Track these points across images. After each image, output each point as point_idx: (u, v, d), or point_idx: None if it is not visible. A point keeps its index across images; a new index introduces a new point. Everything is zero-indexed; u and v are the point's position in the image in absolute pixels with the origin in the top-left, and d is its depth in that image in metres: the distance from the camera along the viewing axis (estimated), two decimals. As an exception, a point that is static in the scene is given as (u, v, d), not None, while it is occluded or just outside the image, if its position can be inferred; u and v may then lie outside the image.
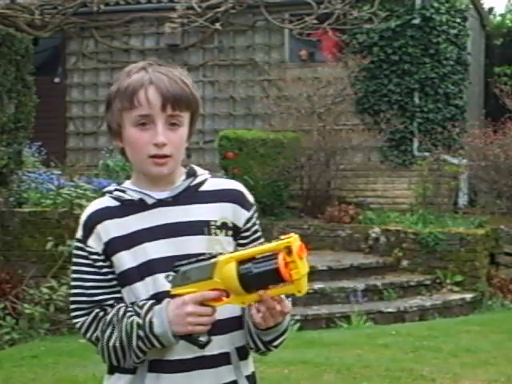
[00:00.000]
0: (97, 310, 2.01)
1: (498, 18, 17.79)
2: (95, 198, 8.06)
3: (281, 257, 1.81)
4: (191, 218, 2.02)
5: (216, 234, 2.02)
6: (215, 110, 13.57)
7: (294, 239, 1.81)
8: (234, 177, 10.61)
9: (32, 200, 8.84)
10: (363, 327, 8.30)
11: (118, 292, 2.02)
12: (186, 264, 1.92)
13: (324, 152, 11.90)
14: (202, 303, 1.89)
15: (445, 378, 5.98)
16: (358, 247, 10.60)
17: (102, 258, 2.02)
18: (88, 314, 2.01)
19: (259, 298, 1.85)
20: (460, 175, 12.27)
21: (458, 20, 12.77)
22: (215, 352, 1.99)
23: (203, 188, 2.08)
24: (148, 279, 1.98)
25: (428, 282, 9.76)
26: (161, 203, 2.03)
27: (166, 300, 1.93)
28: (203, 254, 1.94)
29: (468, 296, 9.54)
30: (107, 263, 2.02)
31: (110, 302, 2.01)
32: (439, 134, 12.57)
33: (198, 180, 2.09)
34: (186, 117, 2.03)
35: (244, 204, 2.09)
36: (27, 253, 8.47)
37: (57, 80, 14.54)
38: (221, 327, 1.98)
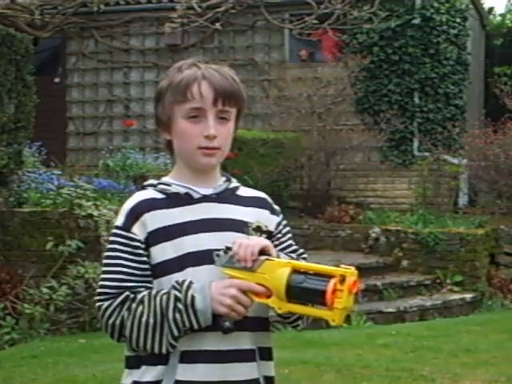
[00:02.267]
0: (127, 293, 2.01)
1: (498, 18, 17.80)
2: (95, 198, 8.07)
3: (332, 282, 1.86)
4: (233, 216, 2.10)
5: (252, 234, 2.09)
6: (215, 110, 13.56)
7: (351, 272, 1.87)
8: (233, 177, 10.60)
9: (32, 200, 8.83)
10: (363, 327, 8.30)
11: (150, 282, 2.04)
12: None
13: (324, 152, 11.91)
14: (244, 292, 1.95)
15: (445, 377, 5.98)
16: (358, 247, 10.60)
17: (143, 246, 2.04)
18: (115, 298, 2.01)
19: (295, 311, 1.93)
20: (460, 175, 12.28)
21: (458, 20, 12.77)
22: (247, 347, 2.04)
23: (238, 193, 2.19)
24: (189, 270, 2.02)
25: (428, 282, 9.76)
26: (205, 199, 2.11)
27: (209, 281, 1.97)
28: None
29: (468, 296, 9.54)
30: (146, 252, 2.04)
31: (140, 290, 2.02)
32: (439, 134, 12.57)
33: (233, 185, 2.20)
34: (233, 112, 2.11)
35: (273, 211, 2.21)
36: (27, 253, 8.46)
37: (57, 80, 14.54)
38: (249, 325, 2.03)
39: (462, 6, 12.86)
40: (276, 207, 2.23)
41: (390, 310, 8.89)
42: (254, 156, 11.04)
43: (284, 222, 2.21)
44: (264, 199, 2.22)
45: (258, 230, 2.10)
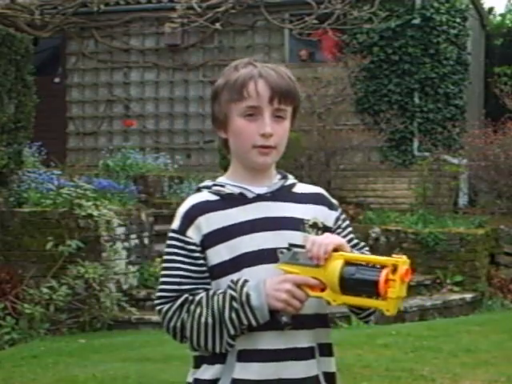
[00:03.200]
0: (186, 295, 2.03)
1: (498, 18, 17.80)
2: (95, 198, 8.07)
3: (384, 272, 1.88)
4: (288, 214, 2.10)
5: (308, 233, 2.09)
6: (215, 110, 13.54)
7: (403, 261, 1.90)
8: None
9: (32, 200, 8.83)
10: (363, 327, 8.29)
11: (208, 284, 2.05)
12: (299, 246, 2.01)
13: (324, 152, 11.91)
14: (299, 287, 1.96)
15: (445, 377, 5.98)
16: (358, 247, 10.59)
17: (199, 249, 2.05)
18: (175, 300, 2.03)
19: (349, 302, 1.96)
20: (460, 175, 12.27)
21: (458, 20, 12.77)
22: (305, 345, 2.05)
23: (295, 190, 2.18)
24: (245, 270, 2.02)
25: (428, 282, 9.76)
26: (260, 198, 2.10)
27: (263, 278, 1.98)
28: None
29: (468, 296, 9.54)
30: (203, 255, 2.05)
31: (198, 291, 2.03)
32: (439, 134, 12.57)
33: (289, 182, 2.18)
34: (289, 111, 2.11)
35: (331, 206, 2.20)
36: (27, 253, 8.47)
37: (57, 80, 14.54)
38: (308, 322, 2.05)
39: (462, 6, 12.86)
40: (334, 201, 2.22)
41: (390, 310, 8.89)
42: (254, 156, 11.01)
43: (343, 217, 2.21)
44: (321, 194, 2.22)
45: (315, 226, 2.10)
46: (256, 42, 13.63)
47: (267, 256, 2.03)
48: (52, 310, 7.96)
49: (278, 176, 2.16)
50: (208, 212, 2.06)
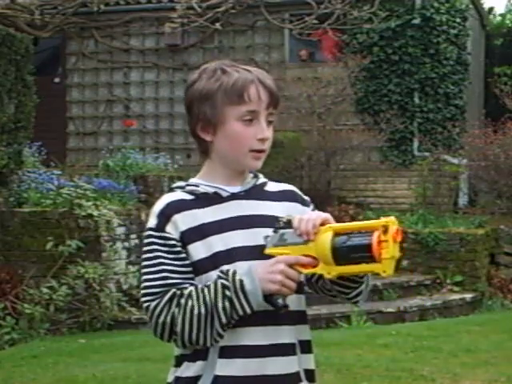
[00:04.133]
0: (173, 290, 2.01)
1: (498, 18, 17.80)
2: (95, 198, 8.06)
3: (376, 234, 1.88)
4: (263, 212, 2.11)
5: (282, 230, 2.09)
6: (215, 110, 13.53)
7: (392, 222, 1.89)
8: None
9: (32, 200, 8.83)
10: (363, 327, 8.30)
11: (193, 279, 2.04)
12: (283, 227, 2.02)
13: (324, 152, 11.91)
14: (291, 266, 1.97)
15: (445, 377, 5.98)
16: (358, 247, 10.58)
17: (179, 244, 2.05)
18: (162, 294, 2.01)
19: (344, 271, 1.94)
20: (460, 175, 12.28)
21: (458, 20, 12.77)
22: (286, 341, 2.05)
23: (267, 188, 2.19)
24: (224, 267, 2.02)
25: (428, 282, 9.76)
26: (234, 196, 2.11)
27: (253, 263, 1.99)
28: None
29: (468, 296, 9.54)
30: (184, 250, 2.05)
31: (185, 285, 2.02)
32: (439, 134, 12.57)
33: (260, 181, 2.19)
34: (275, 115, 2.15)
35: (303, 202, 2.21)
36: (27, 253, 8.46)
37: (57, 80, 14.54)
38: (290, 318, 2.05)
39: (462, 6, 12.86)
40: (306, 198, 2.23)
41: (390, 310, 8.89)
42: (254, 156, 11.01)
43: (316, 211, 2.20)
44: (293, 191, 2.22)
45: (289, 223, 2.09)
46: (256, 41, 13.63)
47: (241, 254, 2.03)
48: (52, 309, 7.96)
49: (250, 175, 2.17)
50: (183, 210, 2.06)
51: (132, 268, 8.92)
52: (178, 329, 2.00)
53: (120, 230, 8.74)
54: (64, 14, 13.53)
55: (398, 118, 12.57)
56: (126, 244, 8.87)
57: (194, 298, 1.98)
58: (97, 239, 8.37)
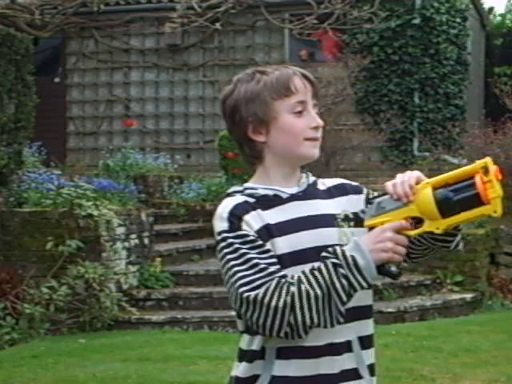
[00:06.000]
0: (277, 278, 1.95)
1: (498, 18, 17.80)
2: (95, 198, 8.04)
3: (478, 178, 1.87)
4: (322, 212, 2.11)
5: (342, 227, 2.10)
6: (215, 110, 13.56)
7: (489, 161, 1.90)
8: (233, 177, 10.62)
9: (32, 200, 8.83)
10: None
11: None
12: (378, 196, 2.04)
13: (324, 152, 11.89)
14: (398, 232, 1.96)
15: (445, 377, 5.98)
16: (358, 247, 10.58)
17: (259, 239, 2.01)
18: (266, 283, 1.94)
19: (453, 222, 1.92)
20: (460, 175, 12.26)
21: (458, 20, 12.78)
22: (342, 340, 2.04)
23: (318, 186, 2.19)
24: (292, 268, 2.00)
25: (428, 282, 9.75)
26: (294, 197, 2.11)
27: (357, 238, 1.99)
28: (337, 245, 2.01)
29: (468, 296, 9.53)
30: (266, 243, 2.02)
31: (283, 273, 1.97)
32: (439, 134, 12.58)
33: (311, 179, 2.19)
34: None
35: (355, 190, 2.21)
36: (27, 253, 8.46)
37: (57, 80, 14.54)
38: (347, 315, 2.00)
39: (462, 6, 12.87)
40: (354, 184, 2.24)
41: (390, 310, 8.89)
42: (254, 156, 11.00)
43: (370, 191, 2.21)
44: (342, 184, 2.22)
45: (347, 219, 2.10)
46: (256, 41, 13.63)
47: (307, 256, 2.01)
48: (52, 309, 7.96)
49: (303, 175, 2.18)
50: (250, 211, 2.04)
51: (132, 268, 8.92)
52: (298, 315, 1.93)
53: (120, 230, 8.73)
54: (64, 14, 13.53)
55: (397, 118, 12.58)
56: (126, 244, 8.87)
57: (305, 282, 1.94)
58: (97, 239, 8.36)
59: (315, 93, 2.11)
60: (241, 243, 2.00)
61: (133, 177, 11.16)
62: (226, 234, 2.02)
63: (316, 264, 1.97)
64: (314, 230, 2.06)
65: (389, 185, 2.00)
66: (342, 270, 1.93)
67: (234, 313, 2.13)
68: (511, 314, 9.15)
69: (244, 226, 2.01)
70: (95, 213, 8.30)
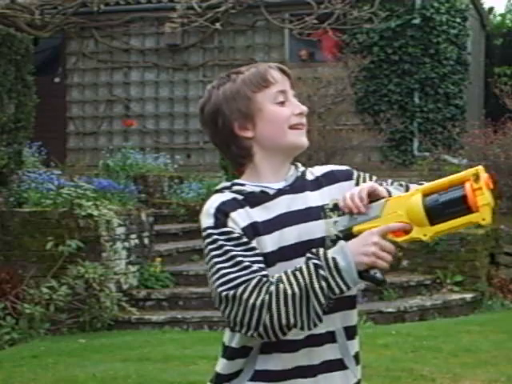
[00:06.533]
0: (258, 276, 1.94)
1: (498, 18, 17.80)
2: (95, 198, 8.04)
3: (468, 184, 1.86)
4: (309, 205, 2.09)
5: (330, 217, 2.08)
6: (215, 110, 13.53)
7: (481, 169, 1.87)
8: (233, 177, 10.60)
9: (32, 200, 8.83)
10: (363, 327, 8.29)
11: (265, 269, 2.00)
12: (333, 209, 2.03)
13: (324, 152, 11.90)
14: (385, 237, 1.93)
15: (445, 377, 5.98)
16: (358, 247, 10.57)
17: (245, 236, 2.00)
18: (247, 281, 1.94)
19: (441, 230, 1.89)
20: (460, 175, 12.26)
21: (458, 20, 12.78)
22: (322, 331, 2.02)
23: (307, 177, 2.17)
24: (279, 265, 2.00)
25: (428, 282, 9.75)
26: (280, 193, 2.09)
27: (343, 241, 1.97)
28: (324, 238, 2.02)
29: (468, 296, 9.53)
30: (252, 241, 2.01)
31: (265, 273, 1.97)
32: (439, 134, 12.58)
33: (300, 169, 2.18)
34: None
35: (346, 177, 2.19)
36: (27, 253, 8.46)
37: (57, 80, 14.54)
38: (330, 306, 1.99)
39: (462, 6, 12.87)
40: (344, 168, 2.21)
41: (390, 309, 8.89)
42: (253, 156, 11.01)
43: (361, 175, 2.20)
44: (332, 172, 2.19)
45: (336, 207, 2.07)
46: (256, 41, 13.64)
47: (294, 251, 2.01)
48: (52, 309, 7.96)
49: (292, 167, 2.17)
50: (238, 209, 2.04)
51: (132, 268, 8.92)
52: (274, 314, 1.92)
53: (120, 230, 8.74)
54: (64, 14, 13.53)
55: (398, 118, 12.58)
56: (126, 244, 8.87)
57: (285, 281, 1.93)
58: (97, 239, 8.36)
59: (292, 84, 2.13)
60: (225, 240, 1.99)
61: (133, 177, 11.17)
62: (211, 231, 2.01)
63: (299, 264, 1.96)
64: (299, 225, 2.04)
65: (340, 200, 2.00)
66: (322, 272, 1.91)
67: None
68: (511, 314, 9.15)
69: (230, 223, 2.00)
70: (95, 213, 8.30)
